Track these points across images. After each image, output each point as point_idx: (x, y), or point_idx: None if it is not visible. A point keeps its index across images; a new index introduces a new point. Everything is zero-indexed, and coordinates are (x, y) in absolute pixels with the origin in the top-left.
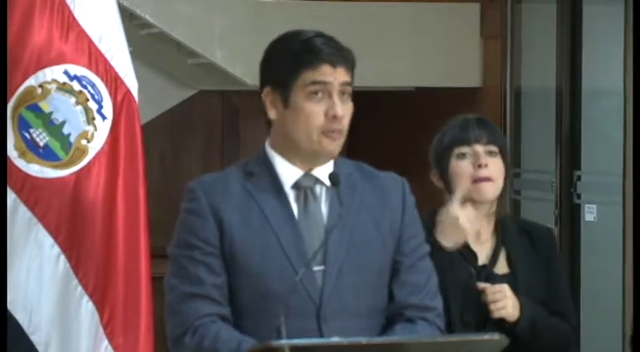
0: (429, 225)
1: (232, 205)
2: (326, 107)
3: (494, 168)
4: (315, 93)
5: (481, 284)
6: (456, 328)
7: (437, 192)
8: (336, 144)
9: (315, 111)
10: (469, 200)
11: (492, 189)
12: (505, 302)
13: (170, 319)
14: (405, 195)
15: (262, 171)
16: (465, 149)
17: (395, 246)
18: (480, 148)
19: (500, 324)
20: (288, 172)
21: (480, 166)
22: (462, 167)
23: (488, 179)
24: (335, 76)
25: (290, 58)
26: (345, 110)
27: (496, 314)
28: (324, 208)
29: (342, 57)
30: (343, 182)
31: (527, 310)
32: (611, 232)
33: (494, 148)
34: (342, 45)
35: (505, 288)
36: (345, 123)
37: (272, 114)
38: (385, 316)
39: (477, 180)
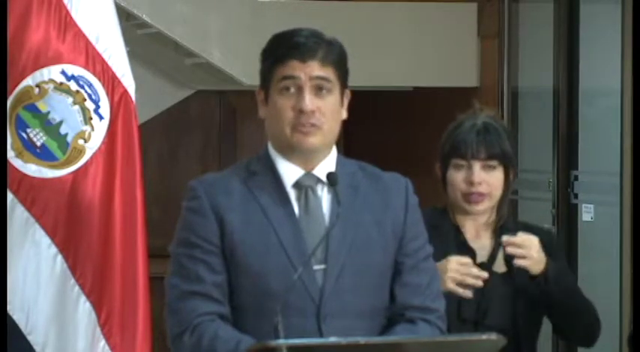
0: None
1: (233, 204)
2: (294, 101)
3: (490, 182)
4: (287, 88)
5: (505, 237)
6: (453, 326)
7: (436, 192)
8: (310, 139)
9: (285, 106)
10: (462, 209)
11: (483, 205)
12: (529, 252)
13: (170, 317)
14: (408, 195)
15: (264, 170)
16: (461, 162)
17: (397, 247)
18: (477, 164)
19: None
20: (289, 171)
21: (472, 183)
22: (456, 179)
23: (479, 195)
24: (305, 70)
25: (269, 56)
26: (317, 104)
27: (517, 262)
28: (325, 208)
29: (316, 51)
30: (346, 181)
31: (552, 266)
32: (609, 232)
33: (493, 162)
34: (325, 40)
35: (532, 239)
36: (321, 117)
37: (260, 112)
38: (386, 317)
39: (467, 195)
